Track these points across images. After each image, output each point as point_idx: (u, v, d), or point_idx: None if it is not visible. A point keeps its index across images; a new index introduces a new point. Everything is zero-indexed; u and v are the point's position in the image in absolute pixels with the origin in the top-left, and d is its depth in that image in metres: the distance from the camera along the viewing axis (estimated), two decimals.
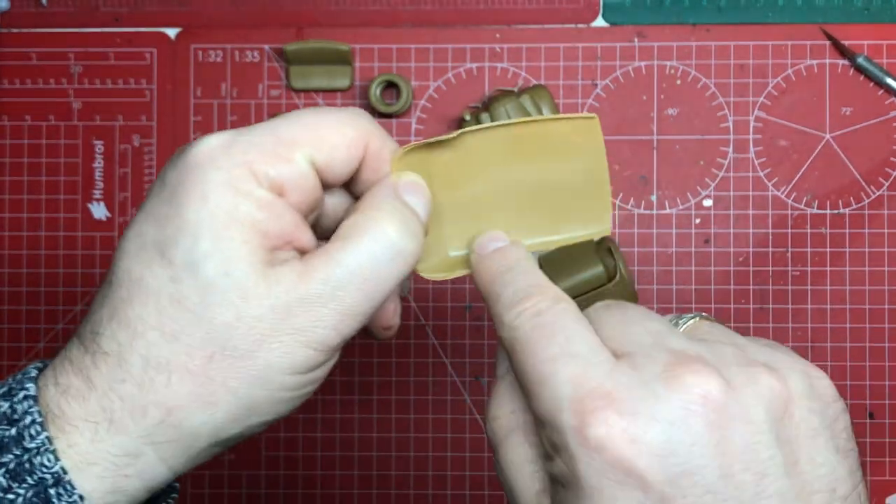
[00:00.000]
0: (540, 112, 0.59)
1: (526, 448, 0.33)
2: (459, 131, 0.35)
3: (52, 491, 0.30)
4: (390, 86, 0.61)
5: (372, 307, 0.33)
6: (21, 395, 0.31)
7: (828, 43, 0.61)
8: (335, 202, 0.36)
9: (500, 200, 0.37)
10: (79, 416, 0.31)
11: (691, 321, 0.34)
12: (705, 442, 0.28)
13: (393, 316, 0.36)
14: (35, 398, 0.31)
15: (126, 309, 0.31)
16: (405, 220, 0.33)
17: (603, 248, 0.58)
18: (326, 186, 0.34)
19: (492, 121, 0.58)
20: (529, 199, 0.37)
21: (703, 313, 0.35)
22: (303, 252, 0.33)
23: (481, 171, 0.36)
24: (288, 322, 0.31)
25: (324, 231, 0.36)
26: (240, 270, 0.31)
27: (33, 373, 0.32)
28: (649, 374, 0.29)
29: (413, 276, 0.36)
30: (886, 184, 0.61)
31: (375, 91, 0.60)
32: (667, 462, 0.28)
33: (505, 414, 0.33)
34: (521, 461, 0.33)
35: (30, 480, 0.30)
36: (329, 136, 0.33)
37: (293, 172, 0.32)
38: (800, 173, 0.61)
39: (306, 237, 0.33)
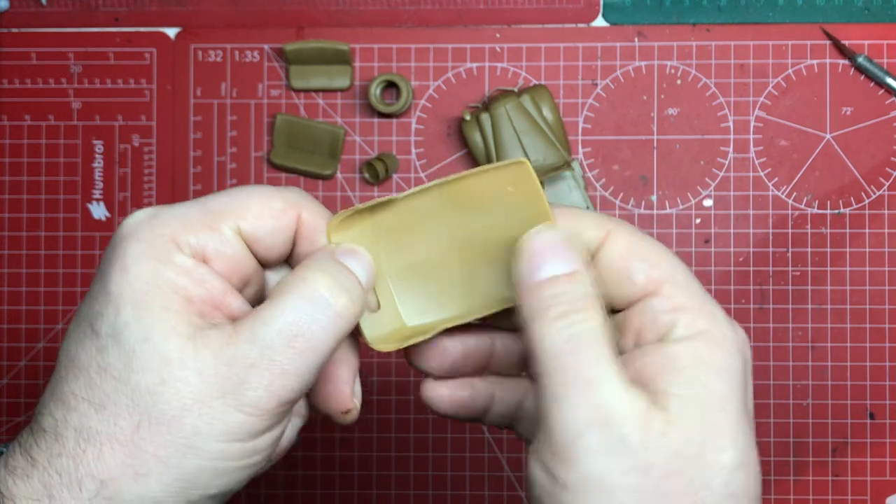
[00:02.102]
0: (540, 112, 0.59)
1: None
2: (388, 196, 0.34)
3: None
4: (390, 86, 0.61)
5: (307, 366, 0.32)
6: None
7: (828, 43, 0.61)
8: (278, 279, 0.36)
9: (450, 262, 0.36)
10: (23, 496, 0.31)
11: None
12: None
13: (349, 398, 0.36)
14: None
15: (62, 386, 0.31)
16: (336, 277, 0.33)
17: None
18: (264, 263, 0.35)
19: (492, 121, 0.58)
20: (480, 256, 0.35)
21: None
22: (235, 318, 0.33)
23: (424, 236, 0.35)
24: (216, 386, 0.31)
25: None
26: (159, 335, 0.31)
27: None
28: None
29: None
30: (887, 184, 0.61)
31: (375, 91, 0.60)
32: None
33: None
34: None
35: None
36: (255, 206, 0.33)
37: (216, 240, 0.33)
38: (800, 173, 0.61)
39: (236, 304, 0.33)
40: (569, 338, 0.31)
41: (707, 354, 0.31)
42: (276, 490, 0.61)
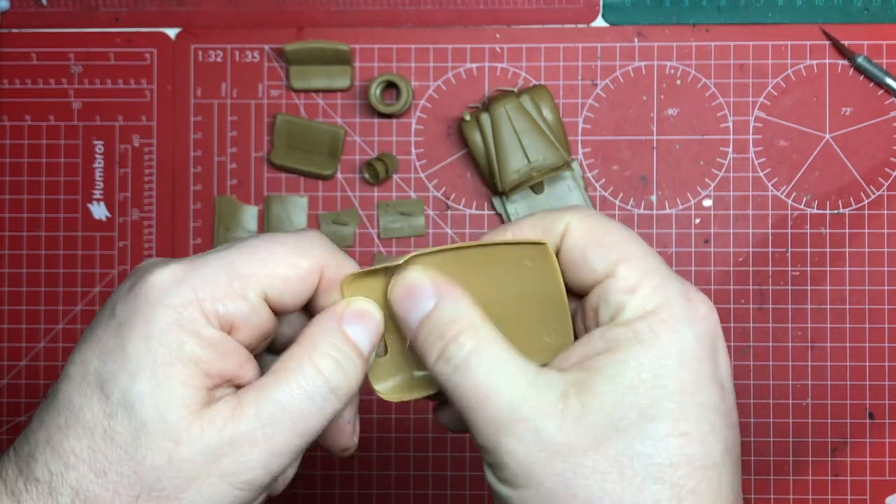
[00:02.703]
0: (540, 113, 0.59)
1: None
2: (408, 255, 0.34)
3: None
4: (390, 86, 0.61)
5: (302, 445, 0.32)
6: None
7: (828, 43, 0.61)
8: (291, 322, 0.36)
9: None
10: None
11: None
12: None
13: (351, 436, 0.37)
14: None
15: (62, 438, 0.31)
16: (339, 358, 0.33)
17: None
18: (279, 314, 0.34)
19: (492, 121, 0.58)
20: (489, 314, 0.35)
21: None
22: (241, 386, 0.33)
23: None
24: (217, 464, 0.31)
25: (278, 349, 0.36)
26: (174, 415, 0.31)
27: None
28: None
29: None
30: (886, 184, 0.61)
31: (375, 91, 0.60)
32: None
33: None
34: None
35: None
36: (282, 269, 0.33)
37: (245, 309, 0.32)
38: (800, 173, 0.61)
39: (250, 375, 0.33)
40: (454, 370, 0.32)
41: (647, 334, 0.31)
42: None
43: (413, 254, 0.34)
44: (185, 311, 0.31)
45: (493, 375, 0.32)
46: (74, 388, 0.31)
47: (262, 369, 0.34)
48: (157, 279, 0.32)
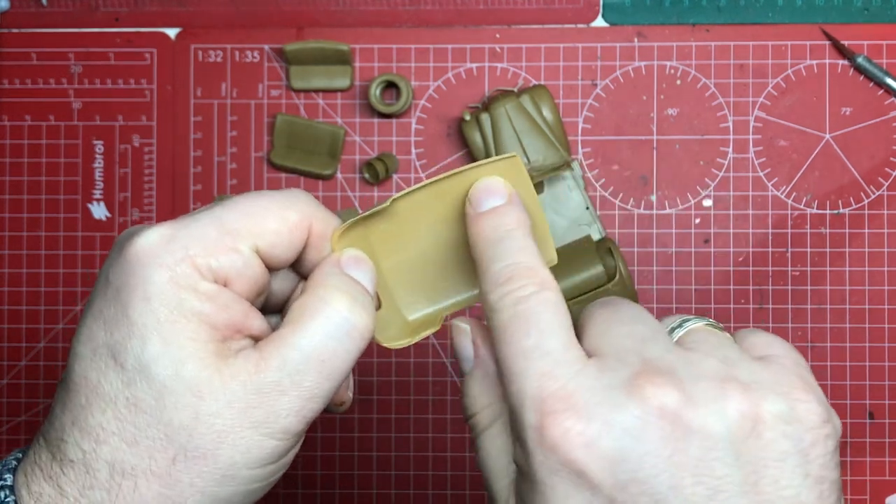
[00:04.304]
0: (540, 113, 0.59)
1: (504, 438, 0.33)
2: (389, 199, 0.35)
3: None
4: (390, 86, 0.61)
5: (333, 387, 0.32)
6: None
7: (828, 43, 0.61)
8: (282, 280, 0.36)
9: (445, 254, 0.37)
10: None
11: (691, 325, 0.34)
12: (658, 452, 0.29)
13: (346, 391, 0.36)
14: (12, 488, 0.31)
15: (87, 416, 0.31)
16: (354, 295, 0.33)
17: (603, 248, 0.58)
18: (271, 269, 0.34)
19: (492, 121, 0.58)
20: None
21: (710, 319, 0.34)
22: (256, 338, 0.33)
23: (421, 231, 0.36)
24: (247, 415, 0.31)
25: (271, 309, 0.36)
26: (190, 369, 0.31)
27: (13, 463, 0.32)
28: (615, 379, 0.30)
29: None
30: (886, 184, 0.61)
31: (375, 91, 0.60)
32: (618, 468, 0.29)
33: (482, 407, 0.34)
34: (497, 452, 0.33)
35: None
36: (272, 222, 0.33)
37: (238, 262, 0.32)
38: (800, 173, 0.61)
39: (257, 323, 0.33)
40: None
41: None
42: (276, 489, 0.61)
43: (394, 196, 0.35)
44: (178, 268, 0.31)
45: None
46: (88, 365, 0.31)
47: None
48: (145, 241, 0.32)
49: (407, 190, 0.35)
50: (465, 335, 0.35)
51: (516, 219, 0.34)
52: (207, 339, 0.31)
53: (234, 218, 0.33)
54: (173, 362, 0.30)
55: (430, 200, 0.35)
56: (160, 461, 0.30)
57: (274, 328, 0.33)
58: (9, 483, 0.31)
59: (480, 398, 0.34)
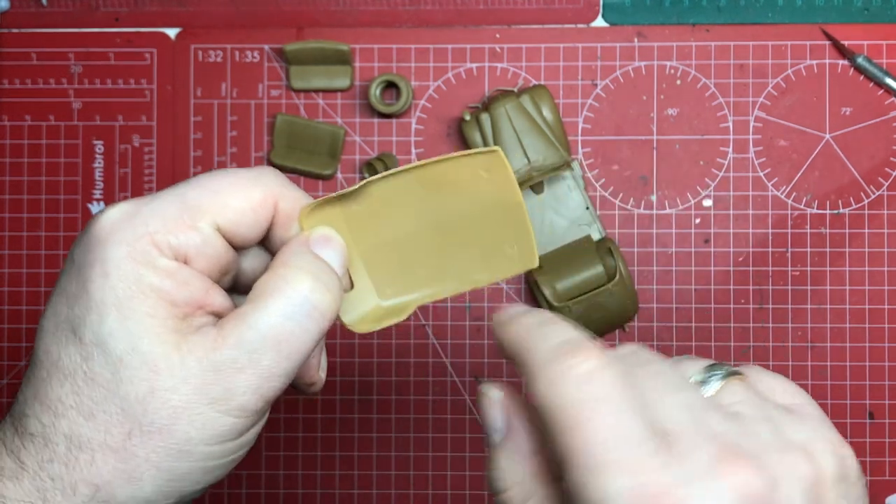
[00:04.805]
0: (540, 113, 0.59)
1: None
2: (362, 182, 0.34)
3: None
4: (390, 86, 0.61)
5: (292, 367, 0.32)
6: None
7: (827, 43, 0.61)
8: (252, 259, 0.36)
9: (423, 243, 0.36)
10: (14, 498, 0.31)
11: (719, 383, 0.32)
12: None
13: (317, 371, 0.36)
14: None
15: (46, 389, 0.31)
16: (318, 275, 0.33)
17: (603, 248, 0.58)
18: (238, 248, 0.34)
19: (491, 121, 0.58)
20: (452, 238, 0.36)
21: (729, 366, 0.33)
22: (219, 315, 0.33)
23: (396, 216, 0.36)
24: (204, 392, 0.31)
25: (243, 288, 0.36)
26: (147, 344, 0.31)
27: None
28: (699, 467, 0.28)
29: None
30: (886, 184, 0.61)
31: (375, 91, 0.60)
32: None
33: (514, 484, 0.31)
34: None
35: None
36: (234, 200, 0.33)
37: (197, 240, 0.32)
38: (799, 173, 0.61)
39: (219, 300, 0.33)
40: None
41: None
42: (277, 490, 0.61)
43: (367, 180, 0.34)
44: (136, 244, 0.31)
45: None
46: (50, 339, 0.32)
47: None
48: (106, 218, 0.32)
49: (383, 174, 0.34)
50: (497, 405, 0.33)
51: (549, 314, 0.31)
52: (166, 316, 0.31)
53: (196, 195, 0.32)
54: (130, 337, 0.31)
55: (409, 186, 0.35)
56: (116, 435, 0.31)
57: (238, 307, 0.33)
58: None
59: (511, 473, 0.32)
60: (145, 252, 0.31)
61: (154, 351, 0.31)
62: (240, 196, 0.33)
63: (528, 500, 0.31)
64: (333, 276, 0.33)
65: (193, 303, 0.32)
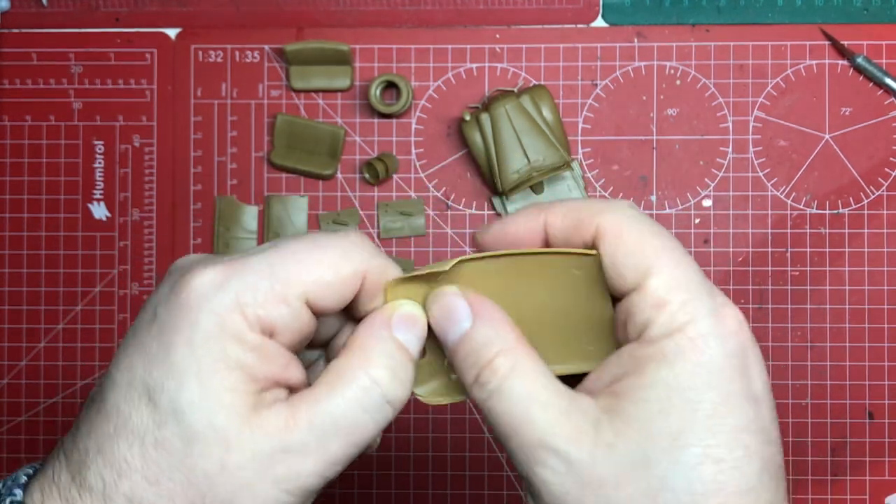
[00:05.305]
0: (540, 113, 0.59)
1: (533, 379, 0.32)
2: (455, 260, 0.33)
3: None
4: (390, 86, 0.61)
5: (357, 453, 0.32)
6: (7, 501, 0.31)
7: (827, 43, 0.62)
8: (330, 322, 0.35)
9: None
10: None
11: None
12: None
13: (376, 437, 0.36)
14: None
15: (113, 447, 0.31)
16: (394, 367, 0.33)
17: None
18: (319, 316, 0.34)
19: (491, 122, 0.58)
20: (532, 324, 0.35)
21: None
22: (292, 389, 0.33)
23: (479, 292, 0.35)
24: (270, 471, 0.31)
25: (316, 344, 0.36)
26: (223, 420, 0.30)
27: (23, 479, 0.32)
28: (711, 305, 0.33)
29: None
30: (886, 184, 0.61)
31: (375, 91, 0.60)
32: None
33: (499, 352, 0.32)
34: (525, 399, 0.32)
35: None
36: (325, 274, 0.32)
37: (285, 313, 0.32)
38: (799, 173, 0.61)
39: (295, 376, 0.33)
40: (488, 396, 0.32)
41: (674, 354, 0.31)
42: None
43: (459, 259, 0.33)
44: (227, 316, 0.31)
45: (525, 403, 0.31)
46: (122, 396, 0.31)
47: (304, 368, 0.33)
48: (197, 283, 0.31)
49: (477, 255, 0.34)
50: (457, 295, 0.34)
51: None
52: (245, 391, 0.31)
53: (287, 267, 0.32)
54: (207, 411, 0.30)
55: (501, 271, 0.34)
56: (179, 503, 0.30)
57: (308, 366, 0.33)
58: (18, 499, 0.31)
59: (496, 343, 0.33)
60: (235, 325, 0.31)
61: (229, 427, 0.30)
62: (330, 269, 0.32)
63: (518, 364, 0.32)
64: (409, 367, 0.33)
65: (273, 378, 0.32)
